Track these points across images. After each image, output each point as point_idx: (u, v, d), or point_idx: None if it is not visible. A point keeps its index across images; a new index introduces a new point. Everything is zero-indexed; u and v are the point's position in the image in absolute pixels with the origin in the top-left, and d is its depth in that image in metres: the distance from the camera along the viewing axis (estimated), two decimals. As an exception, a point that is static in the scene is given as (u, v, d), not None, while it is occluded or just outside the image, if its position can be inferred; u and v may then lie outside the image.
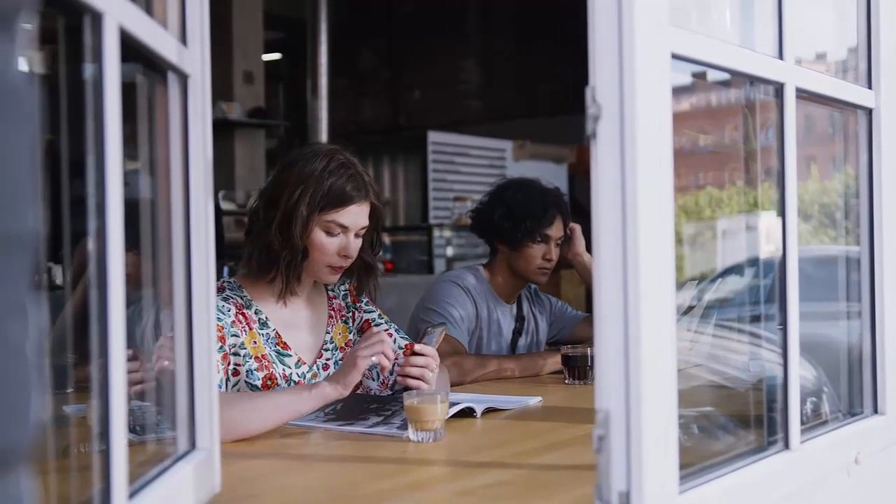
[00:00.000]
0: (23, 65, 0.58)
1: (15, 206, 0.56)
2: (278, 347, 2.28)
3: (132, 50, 1.15)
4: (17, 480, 0.56)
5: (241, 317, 2.23)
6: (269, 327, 2.28)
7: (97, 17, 1.02)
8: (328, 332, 2.40)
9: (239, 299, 2.25)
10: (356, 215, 2.27)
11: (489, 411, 2.23)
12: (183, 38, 1.39)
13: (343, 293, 2.48)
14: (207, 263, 1.43)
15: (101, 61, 1.03)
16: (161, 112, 1.39)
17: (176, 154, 1.39)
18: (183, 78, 1.38)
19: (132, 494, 1.12)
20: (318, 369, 2.34)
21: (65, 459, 1.29)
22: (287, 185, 2.23)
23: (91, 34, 1.03)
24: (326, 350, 2.38)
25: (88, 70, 1.05)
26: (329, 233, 2.24)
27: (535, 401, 2.41)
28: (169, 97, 1.38)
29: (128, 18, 1.10)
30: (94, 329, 1.04)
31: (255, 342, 2.23)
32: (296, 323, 2.34)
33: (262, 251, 2.25)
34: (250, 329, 2.24)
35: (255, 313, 2.27)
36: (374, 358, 2.03)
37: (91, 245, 1.05)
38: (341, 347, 2.41)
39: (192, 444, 1.41)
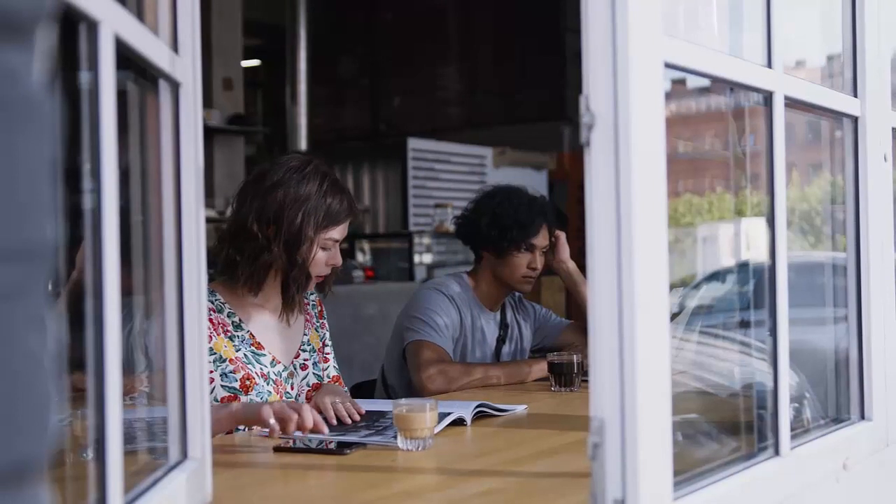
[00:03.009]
0: (41, 75, 0.58)
1: (34, 217, 0.56)
2: (252, 348, 2.33)
3: (124, 57, 1.14)
4: (36, 493, 0.56)
5: (209, 322, 2.25)
6: (243, 329, 2.34)
7: (93, 26, 1.02)
8: (305, 334, 2.48)
9: (209, 304, 2.27)
10: (346, 228, 2.40)
11: (479, 417, 2.23)
12: (175, 46, 1.38)
13: (312, 303, 2.57)
14: (199, 272, 1.42)
15: (96, 69, 1.03)
16: (152, 120, 1.38)
17: (167, 162, 1.39)
18: (175, 86, 1.38)
19: (127, 505, 1.11)
20: (295, 368, 2.42)
21: (53, 469, 1.28)
22: (285, 207, 2.28)
23: (86, 42, 1.02)
24: (304, 350, 2.47)
25: (83, 77, 1.05)
26: (324, 248, 2.35)
27: (521, 408, 2.41)
28: (160, 105, 1.37)
29: (123, 26, 1.09)
30: (90, 339, 1.03)
31: (226, 346, 2.29)
32: (272, 325, 2.40)
33: (263, 270, 2.31)
34: (218, 334, 2.29)
35: (228, 316, 2.33)
36: (272, 421, 1.94)
37: (85, 254, 1.05)
38: (318, 350, 2.51)
39: (184, 454, 1.40)
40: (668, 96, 1.56)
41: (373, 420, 2.19)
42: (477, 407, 2.24)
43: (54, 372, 0.58)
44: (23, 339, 0.55)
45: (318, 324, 2.55)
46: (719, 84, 1.64)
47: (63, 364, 1.18)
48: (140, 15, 1.29)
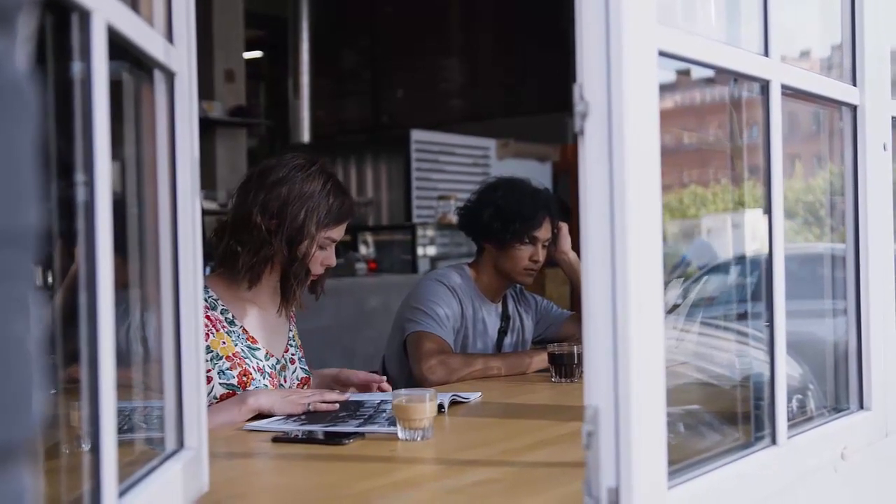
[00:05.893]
0: (23, 61, 0.58)
1: (18, 202, 0.56)
2: (248, 342, 2.37)
3: (118, 48, 1.14)
4: (19, 476, 0.57)
5: (205, 319, 2.27)
6: (236, 325, 2.37)
7: (85, 15, 1.02)
8: (291, 330, 2.54)
9: (203, 295, 2.29)
10: (343, 229, 2.44)
11: (454, 404, 2.29)
12: (169, 36, 1.38)
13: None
14: (195, 263, 1.42)
15: (89, 59, 1.03)
16: (147, 110, 1.38)
17: (162, 153, 1.39)
18: (170, 76, 1.38)
19: (121, 493, 1.12)
20: (286, 362, 2.47)
21: (51, 460, 1.28)
22: (289, 202, 2.32)
23: (79, 32, 1.02)
24: (291, 345, 2.52)
25: (76, 68, 1.05)
26: (321, 247, 2.38)
27: (475, 396, 2.44)
28: (155, 95, 1.37)
29: (115, 16, 1.09)
30: (84, 331, 1.03)
31: (223, 342, 2.32)
32: (262, 321, 2.44)
33: (263, 263, 2.34)
34: (217, 331, 2.32)
35: (221, 313, 2.36)
36: (310, 407, 2.19)
37: (78, 246, 1.05)
38: (300, 346, 2.56)
39: (181, 444, 1.40)
40: (673, 87, 1.55)
41: (354, 409, 2.20)
42: (451, 400, 2.28)
43: (38, 356, 0.59)
44: (6, 323, 0.56)
45: (296, 322, 2.61)
46: (723, 74, 1.64)
47: (55, 351, 1.18)
48: (135, 5, 1.29)
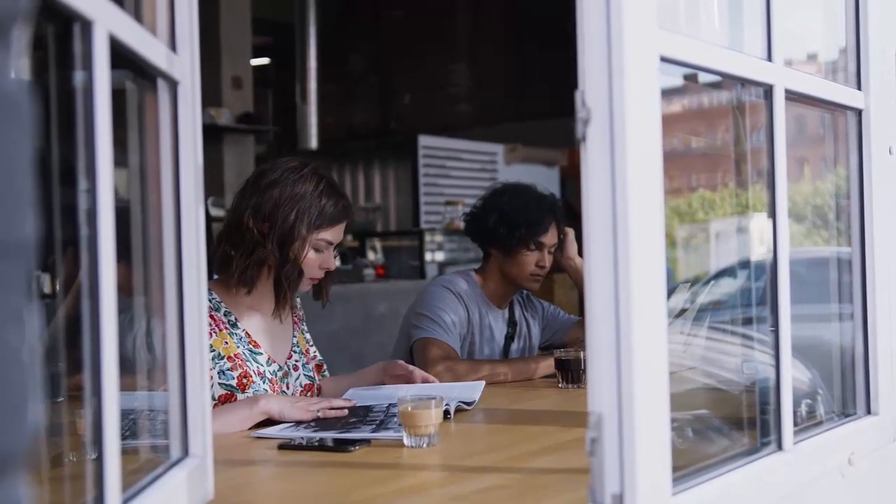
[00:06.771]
0: (18, 72, 0.58)
1: (14, 213, 0.57)
2: (250, 346, 2.37)
3: (121, 56, 1.15)
4: (15, 486, 0.57)
5: (209, 319, 2.28)
6: (239, 328, 2.37)
7: (87, 25, 1.02)
8: (294, 337, 2.53)
9: (207, 303, 2.30)
10: (341, 232, 2.42)
11: (459, 411, 2.28)
12: (172, 45, 1.39)
13: (298, 307, 2.62)
14: (199, 270, 1.42)
15: (91, 68, 1.03)
16: (151, 119, 1.38)
17: (166, 161, 1.39)
18: (173, 84, 1.38)
19: (125, 501, 1.12)
20: (288, 368, 2.47)
21: (56, 468, 1.29)
22: (280, 204, 2.32)
23: (81, 41, 1.03)
24: (295, 352, 2.51)
25: (78, 77, 1.05)
26: (317, 249, 2.38)
27: (479, 386, 2.47)
28: (159, 104, 1.38)
29: (117, 25, 1.10)
30: (87, 338, 1.04)
31: (226, 343, 2.33)
32: (265, 327, 2.44)
33: (256, 266, 2.34)
34: (220, 331, 2.33)
35: (225, 315, 2.37)
36: (319, 413, 2.18)
37: (82, 254, 1.05)
38: (304, 352, 2.55)
39: (185, 451, 1.40)
40: (681, 91, 1.55)
41: (363, 415, 2.19)
42: (457, 407, 2.27)
43: (34, 366, 0.59)
44: (1, 333, 0.56)
45: (303, 327, 2.60)
46: (727, 79, 1.64)
47: (62, 359, 1.18)
48: (138, 14, 1.30)
